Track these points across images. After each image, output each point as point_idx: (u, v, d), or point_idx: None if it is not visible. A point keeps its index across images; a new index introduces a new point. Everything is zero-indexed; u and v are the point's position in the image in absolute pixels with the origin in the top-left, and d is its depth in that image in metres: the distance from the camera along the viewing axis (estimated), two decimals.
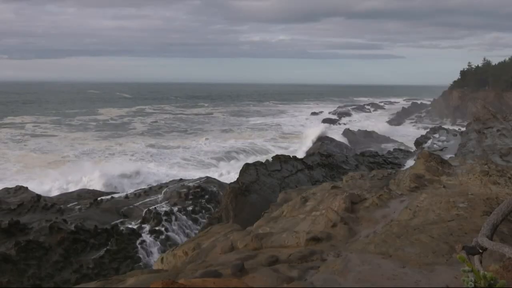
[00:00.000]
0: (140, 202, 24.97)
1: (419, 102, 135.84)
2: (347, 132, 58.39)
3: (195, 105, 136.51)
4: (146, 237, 21.15)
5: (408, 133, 68.50)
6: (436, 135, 48.83)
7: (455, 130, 54.06)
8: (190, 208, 24.52)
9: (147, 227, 21.94)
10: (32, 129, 70.68)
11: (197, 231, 20.83)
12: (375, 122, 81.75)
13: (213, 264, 7.53)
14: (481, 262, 2.84)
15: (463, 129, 51.19)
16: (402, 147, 48.01)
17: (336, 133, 57.20)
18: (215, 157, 47.63)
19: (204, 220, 23.06)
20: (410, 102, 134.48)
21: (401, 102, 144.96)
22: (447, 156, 21.62)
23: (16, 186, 24.47)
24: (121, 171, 35.02)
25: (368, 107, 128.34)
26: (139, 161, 44.18)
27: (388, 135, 63.15)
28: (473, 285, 2.23)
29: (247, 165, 25.26)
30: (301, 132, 67.69)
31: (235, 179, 23.83)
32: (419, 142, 47.27)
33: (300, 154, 37.16)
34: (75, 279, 17.29)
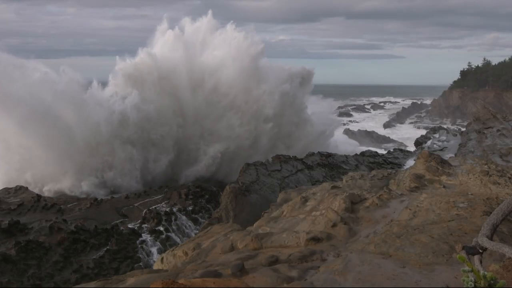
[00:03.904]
0: (140, 202, 24.99)
1: (419, 102, 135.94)
2: (347, 132, 58.44)
3: None
4: (146, 237, 21.15)
5: (408, 133, 68.56)
6: (436, 135, 48.77)
7: (455, 130, 54.06)
8: (190, 208, 24.53)
9: (147, 227, 21.94)
10: None
11: (197, 231, 20.83)
12: (373, 123, 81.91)
13: (213, 264, 7.53)
14: (481, 262, 2.84)
15: (463, 129, 51.21)
16: (402, 147, 48.03)
17: (336, 133, 57.14)
18: None
19: (204, 220, 23.05)
20: (410, 102, 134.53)
21: (401, 102, 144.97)
22: (447, 156, 21.62)
23: (16, 186, 24.45)
24: None
25: (368, 107, 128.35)
26: None
27: (388, 135, 63.26)
28: (473, 285, 2.23)
29: (247, 165, 25.27)
30: None
31: (235, 179, 23.85)
32: (419, 142, 47.23)
33: None
34: (75, 279, 17.29)
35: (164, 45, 36.46)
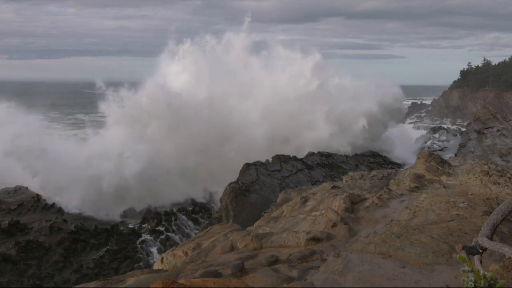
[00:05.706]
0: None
1: (419, 102, 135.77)
2: None
3: None
4: (146, 237, 21.15)
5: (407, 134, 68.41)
6: (436, 135, 48.79)
7: (455, 130, 54.07)
8: (190, 208, 24.52)
9: (147, 227, 21.94)
10: None
11: (197, 231, 20.82)
12: None
13: (213, 264, 7.53)
14: (481, 262, 2.84)
15: (463, 129, 51.17)
16: None
17: None
18: None
19: (204, 220, 23.05)
20: (410, 102, 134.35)
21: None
22: (447, 156, 21.63)
23: (16, 186, 24.36)
24: None
25: None
26: None
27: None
28: (473, 285, 2.23)
29: (247, 165, 25.23)
30: None
31: (235, 179, 23.78)
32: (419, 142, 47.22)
33: None
34: (75, 279, 17.29)
35: (179, 74, 27.27)
